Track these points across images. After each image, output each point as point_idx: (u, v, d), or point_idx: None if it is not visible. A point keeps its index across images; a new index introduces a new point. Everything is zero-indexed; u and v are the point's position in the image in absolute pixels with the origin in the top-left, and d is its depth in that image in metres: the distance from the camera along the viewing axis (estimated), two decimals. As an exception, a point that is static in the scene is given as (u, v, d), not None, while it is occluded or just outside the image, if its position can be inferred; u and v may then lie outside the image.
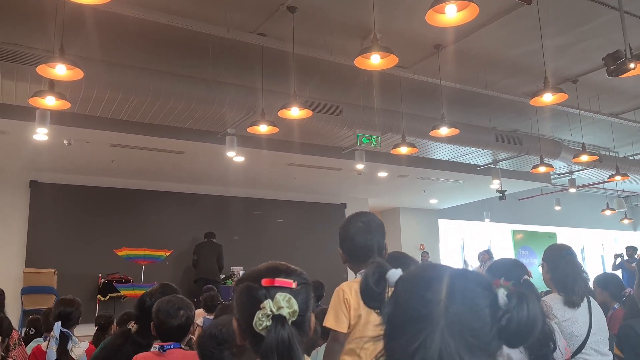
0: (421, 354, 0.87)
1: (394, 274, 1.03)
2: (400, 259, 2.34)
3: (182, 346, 2.44)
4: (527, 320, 0.91)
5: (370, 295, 1.05)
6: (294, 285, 1.25)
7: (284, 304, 1.19)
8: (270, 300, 1.19)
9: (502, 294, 0.94)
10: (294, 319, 1.19)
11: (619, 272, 11.77)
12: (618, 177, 9.74)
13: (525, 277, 2.41)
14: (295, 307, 1.20)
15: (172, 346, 2.38)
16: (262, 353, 1.16)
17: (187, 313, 2.47)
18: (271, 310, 1.18)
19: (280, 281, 1.24)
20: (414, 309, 0.92)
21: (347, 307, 2.14)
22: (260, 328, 1.17)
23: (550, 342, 2.21)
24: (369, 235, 2.24)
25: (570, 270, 2.83)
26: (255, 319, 1.18)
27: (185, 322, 2.44)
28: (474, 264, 12.53)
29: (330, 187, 11.54)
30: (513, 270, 2.46)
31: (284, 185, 11.15)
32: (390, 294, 1.01)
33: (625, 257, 12.21)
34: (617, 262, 12.38)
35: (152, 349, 2.41)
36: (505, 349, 2.29)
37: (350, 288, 2.16)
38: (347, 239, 2.27)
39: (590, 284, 3.61)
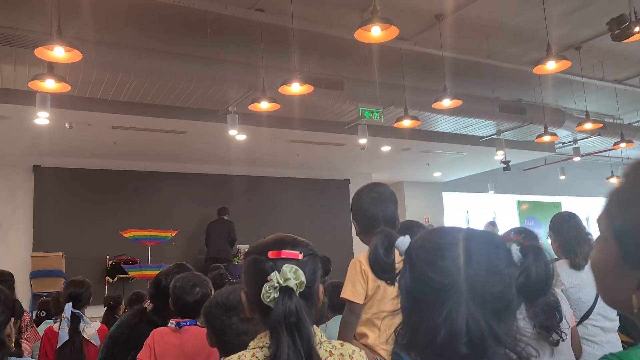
0: (448, 326, 0.85)
1: (404, 242, 1.00)
2: (412, 228, 2.34)
3: (199, 323, 2.45)
4: (546, 273, 0.91)
5: (381, 267, 1.02)
6: (300, 256, 1.24)
7: (291, 275, 1.18)
8: (277, 272, 1.19)
9: (515, 250, 0.93)
10: (301, 290, 1.19)
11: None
12: (623, 144, 9.67)
13: None
14: (302, 278, 1.20)
15: (188, 323, 2.40)
16: (271, 324, 1.16)
17: (202, 290, 2.49)
18: (278, 282, 1.18)
19: (286, 253, 1.24)
20: (434, 280, 0.89)
21: (365, 278, 2.14)
22: (268, 300, 1.18)
23: (555, 313, 2.21)
24: (383, 205, 2.23)
25: (574, 233, 2.85)
26: (263, 291, 1.18)
27: (200, 299, 2.45)
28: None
29: (333, 163, 11.52)
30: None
31: (287, 162, 11.13)
32: (401, 263, 0.98)
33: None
34: None
35: (168, 325, 2.44)
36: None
37: (367, 259, 2.16)
38: (361, 210, 2.27)
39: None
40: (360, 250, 2.29)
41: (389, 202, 2.25)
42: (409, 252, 0.97)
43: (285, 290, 1.17)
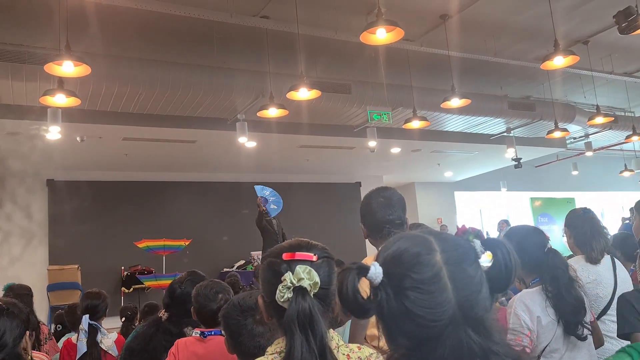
0: (454, 357, 0.85)
1: (376, 274, 0.93)
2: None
3: (223, 332, 2.43)
4: (512, 261, 0.91)
5: (362, 307, 0.93)
6: (314, 258, 1.25)
7: (304, 275, 1.19)
8: (290, 273, 1.20)
9: (478, 246, 0.93)
10: (315, 291, 1.20)
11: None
12: (635, 137, 9.58)
13: (549, 245, 2.39)
14: (317, 279, 1.20)
15: (212, 333, 2.38)
16: (284, 323, 1.16)
17: (225, 296, 2.43)
18: (291, 282, 1.18)
19: (300, 254, 1.25)
20: (427, 319, 0.86)
21: None
22: (282, 300, 1.18)
23: (582, 309, 2.20)
24: (390, 209, 2.23)
25: (589, 227, 2.84)
26: (277, 291, 1.19)
27: (224, 306, 2.43)
28: (493, 234, 12.49)
29: (343, 166, 11.52)
30: (530, 236, 2.42)
31: (297, 167, 11.15)
32: (376, 295, 0.92)
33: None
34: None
35: (193, 334, 2.43)
36: (536, 312, 2.26)
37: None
38: (369, 214, 2.27)
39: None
40: (373, 253, 2.29)
41: (397, 206, 2.26)
42: (388, 283, 0.92)
43: (299, 290, 1.18)
